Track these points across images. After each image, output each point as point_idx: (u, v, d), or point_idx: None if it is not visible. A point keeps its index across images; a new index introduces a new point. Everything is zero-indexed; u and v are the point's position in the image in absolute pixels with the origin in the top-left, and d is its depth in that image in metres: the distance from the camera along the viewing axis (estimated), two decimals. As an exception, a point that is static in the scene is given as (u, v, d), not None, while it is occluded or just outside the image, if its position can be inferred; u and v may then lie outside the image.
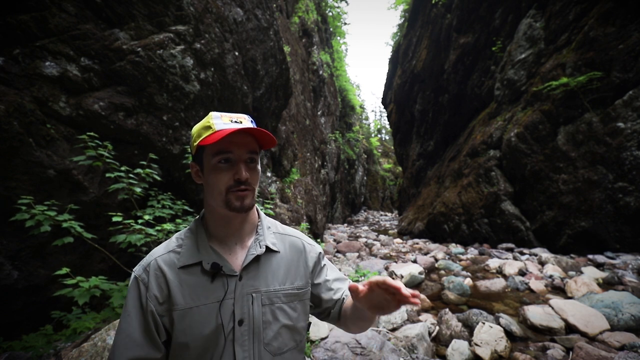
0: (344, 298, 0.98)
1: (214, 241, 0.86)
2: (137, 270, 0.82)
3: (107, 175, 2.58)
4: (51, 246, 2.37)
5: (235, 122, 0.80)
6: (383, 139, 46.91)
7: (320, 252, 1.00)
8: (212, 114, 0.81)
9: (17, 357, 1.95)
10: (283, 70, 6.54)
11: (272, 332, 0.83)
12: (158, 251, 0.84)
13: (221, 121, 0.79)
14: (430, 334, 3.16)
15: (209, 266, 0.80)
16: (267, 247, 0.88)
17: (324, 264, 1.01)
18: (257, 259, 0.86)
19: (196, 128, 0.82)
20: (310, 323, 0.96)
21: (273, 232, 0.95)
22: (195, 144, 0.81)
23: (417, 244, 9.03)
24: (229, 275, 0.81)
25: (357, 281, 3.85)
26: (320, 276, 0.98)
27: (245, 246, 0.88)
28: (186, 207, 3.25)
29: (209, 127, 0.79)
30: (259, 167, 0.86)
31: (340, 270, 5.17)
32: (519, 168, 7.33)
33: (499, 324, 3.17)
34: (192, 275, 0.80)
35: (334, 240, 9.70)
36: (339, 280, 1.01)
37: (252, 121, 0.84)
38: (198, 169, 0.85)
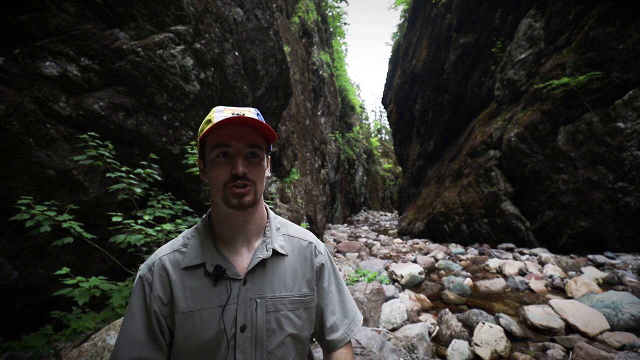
0: (334, 345, 0.89)
1: (219, 242, 0.82)
2: (142, 269, 0.79)
3: (108, 175, 2.58)
4: (51, 246, 2.37)
5: (238, 114, 0.74)
6: (383, 139, 46.91)
7: (322, 264, 0.91)
8: (216, 107, 0.78)
9: (17, 357, 1.95)
10: (283, 70, 6.53)
11: (277, 341, 0.78)
12: (163, 250, 0.81)
13: (222, 114, 0.74)
14: (430, 334, 3.16)
15: (212, 268, 0.76)
16: (275, 251, 0.83)
17: (327, 277, 0.92)
18: (264, 262, 0.81)
19: (202, 124, 0.80)
20: (314, 333, 0.90)
21: (282, 233, 0.89)
22: (198, 139, 0.79)
23: (417, 244, 9.02)
24: (233, 278, 0.77)
25: (357, 281, 3.85)
26: (320, 294, 0.90)
27: (252, 248, 0.83)
28: (186, 207, 3.25)
29: (209, 121, 0.75)
30: (264, 163, 0.80)
31: (340, 270, 5.14)
32: (519, 168, 7.33)
33: (499, 324, 3.17)
34: (195, 277, 0.77)
35: (334, 240, 9.70)
36: (333, 315, 0.91)
37: (258, 114, 0.79)
38: (203, 166, 0.81)
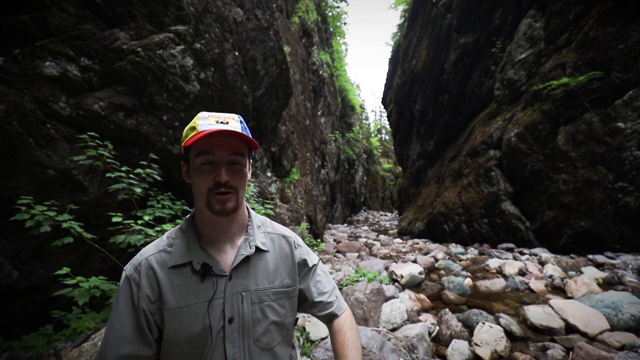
0: (332, 316, 1.00)
1: (204, 241, 0.86)
2: (128, 269, 0.82)
3: (108, 175, 2.59)
4: (51, 246, 2.37)
5: (222, 122, 0.79)
6: (383, 139, 46.91)
7: (305, 259, 0.99)
8: (200, 114, 0.81)
9: (17, 357, 1.95)
10: (283, 70, 6.53)
11: (262, 328, 0.85)
12: (149, 250, 0.84)
13: (207, 122, 0.78)
14: (430, 334, 3.16)
15: (199, 266, 0.80)
16: (257, 247, 0.89)
17: (312, 266, 1.00)
18: (247, 259, 0.86)
19: (186, 128, 0.82)
20: (297, 319, 0.98)
21: (263, 231, 0.95)
22: (183, 144, 0.82)
23: (417, 244, 9.02)
24: (219, 275, 0.82)
25: (357, 281, 3.85)
26: (305, 282, 0.98)
27: (236, 246, 0.88)
28: (186, 207, 3.25)
29: (194, 128, 0.78)
30: (246, 169, 0.84)
31: (340, 270, 5.13)
32: (519, 168, 7.33)
33: (499, 324, 3.17)
34: (182, 275, 0.81)
35: (334, 240, 9.70)
36: (324, 294, 1.01)
37: (241, 121, 0.83)
38: (187, 169, 0.85)
